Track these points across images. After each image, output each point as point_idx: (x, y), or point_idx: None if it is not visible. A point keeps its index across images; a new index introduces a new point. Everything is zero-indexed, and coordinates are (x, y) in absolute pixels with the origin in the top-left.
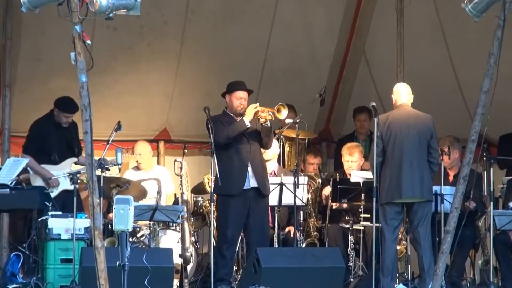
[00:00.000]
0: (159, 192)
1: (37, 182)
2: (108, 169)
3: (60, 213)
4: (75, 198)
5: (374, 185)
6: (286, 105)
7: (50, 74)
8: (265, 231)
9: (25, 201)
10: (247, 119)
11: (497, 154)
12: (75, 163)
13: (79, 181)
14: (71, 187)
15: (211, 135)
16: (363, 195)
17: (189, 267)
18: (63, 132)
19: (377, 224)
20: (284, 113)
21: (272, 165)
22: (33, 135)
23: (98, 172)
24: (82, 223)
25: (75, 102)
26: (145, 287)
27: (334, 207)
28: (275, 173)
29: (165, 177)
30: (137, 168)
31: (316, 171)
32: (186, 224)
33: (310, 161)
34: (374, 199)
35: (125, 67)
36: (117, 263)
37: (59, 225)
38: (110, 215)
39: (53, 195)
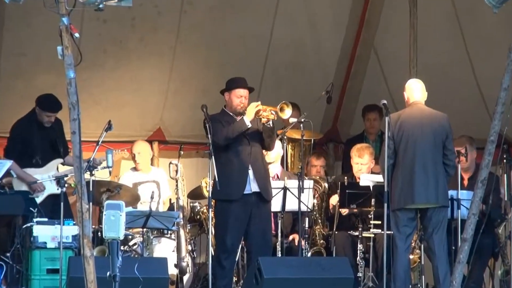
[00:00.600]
0: (158, 196)
1: (21, 186)
2: (95, 168)
3: (46, 219)
4: (62, 204)
5: (385, 189)
6: (290, 103)
7: (36, 70)
8: (268, 239)
9: (8, 207)
10: (247, 119)
11: None
12: (62, 163)
13: (66, 185)
14: (58, 191)
15: (209, 136)
16: (373, 200)
17: (185, 278)
18: (47, 132)
19: (389, 232)
20: (287, 112)
21: (274, 168)
22: (14, 137)
23: (87, 175)
24: (69, 230)
25: (58, 100)
26: None
27: (343, 214)
28: (278, 177)
29: (163, 180)
30: (134, 169)
31: (319, 173)
32: (182, 232)
33: (313, 163)
34: (385, 205)
35: (116, 62)
36: (108, 273)
37: (45, 232)
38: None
39: (38, 200)
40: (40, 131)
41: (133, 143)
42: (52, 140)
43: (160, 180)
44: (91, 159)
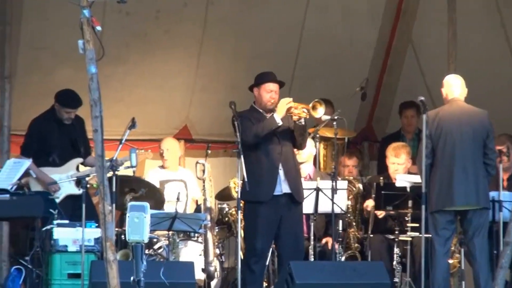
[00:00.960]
0: (186, 196)
1: (38, 186)
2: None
3: (67, 221)
4: (83, 205)
5: (423, 190)
6: (323, 100)
7: (55, 65)
8: (299, 242)
9: (27, 208)
10: (278, 116)
11: None
12: (82, 163)
13: (88, 185)
14: (78, 192)
15: (238, 134)
16: (410, 202)
17: (213, 283)
18: (67, 129)
19: (427, 235)
20: (320, 111)
21: (306, 168)
22: (31, 134)
23: (109, 175)
24: (92, 233)
25: (78, 96)
26: None
27: (379, 216)
28: (310, 177)
29: (191, 180)
30: (162, 167)
31: (352, 174)
32: (209, 235)
33: (345, 162)
34: (423, 207)
35: (140, 56)
36: (131, 278)
37: (66, 235)
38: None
39: (57, 201)
40: (59, 129)
41: (162, 139)
42: (72, 138)
43: (188, 180)
44: (114, 158)
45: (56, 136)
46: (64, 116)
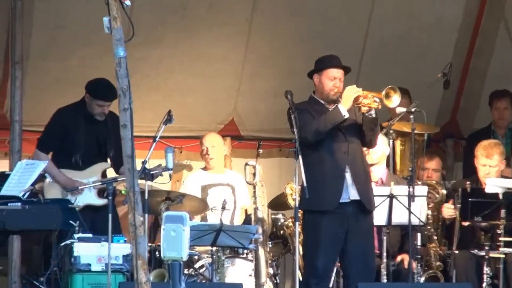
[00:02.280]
0: (234, 204)
1: (53, 192)
2: (153, 176)
3: (90, 235)
4: (110, 215)
5: None
6: (398, 88)
7: (74, 47)
8: (369, 260)
9: (42, 220)
10: (344, 108)
11: None
12: (109, 168)
13: (117, 192)
14: (99, 202)
15: (295, 129)
16: (503, 211)
17: None
18: (96, 127)
19: None
20: (395, 100)
21: (378, 171)
22: (53, 126)
23: (141, 181)
24: (120, 249)
25: (113, 86)
26: None
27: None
28: (382, 181)
29: (240, 185)
30: (204, 168)
31: (431, 178)
32: (261, 251)
33: (425, 165)
34: None
35: (178, 36)
36: None
37: (89, 252)
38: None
39: None
40: (87, 125)
41: (203, 136)
42: (100, 138)
43: (236, 184)
44: (147, 159)
45: (83, 133)
46: (96, 110)
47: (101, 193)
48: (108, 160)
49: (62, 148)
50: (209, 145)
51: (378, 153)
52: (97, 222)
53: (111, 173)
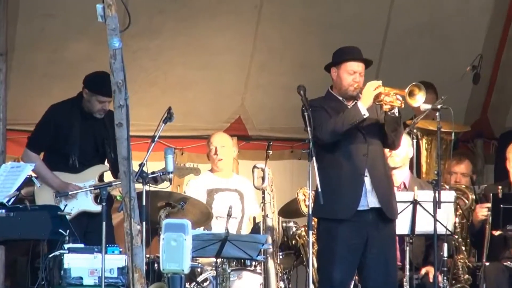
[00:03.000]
0: (241, 212)
1: (45, 198)
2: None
3: (81, 245)
4: (104, 224)
5: None
6: (423, 84)
7: (65, 37)
8: (391, 273)
9: (29, 228)
10: (364, 105)
11: None
12: (107, 171)
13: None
14: (96, 208)
15: (309, 129)
16: None
17: None
18: (93, 125)
19: None
20: (419, 98)
21: (401, 174)
22: (45, 123)
23: (139, 185)
24: (115, 260)
25: None
26: None
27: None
28: (405, 186)
29: (249, 192)
30: (211, 170)
31: (460, 183)
32: (271, 263)
33: (452, 168)
34: None
35: (178, 26)
36: None
37: (81, 264)
38: None
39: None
40: (84, 123)
41: (211, 135)
42: (97, 138)
43: (245, 191)
44: (145, 161)
45: (78, 131)
46: (96, 107)
47: (99, 198)
48: (106, 162)
49: (56, 148)
50: (219, 145)
51: (401, 156)
52: (90, 233)
53: (108, 177)
